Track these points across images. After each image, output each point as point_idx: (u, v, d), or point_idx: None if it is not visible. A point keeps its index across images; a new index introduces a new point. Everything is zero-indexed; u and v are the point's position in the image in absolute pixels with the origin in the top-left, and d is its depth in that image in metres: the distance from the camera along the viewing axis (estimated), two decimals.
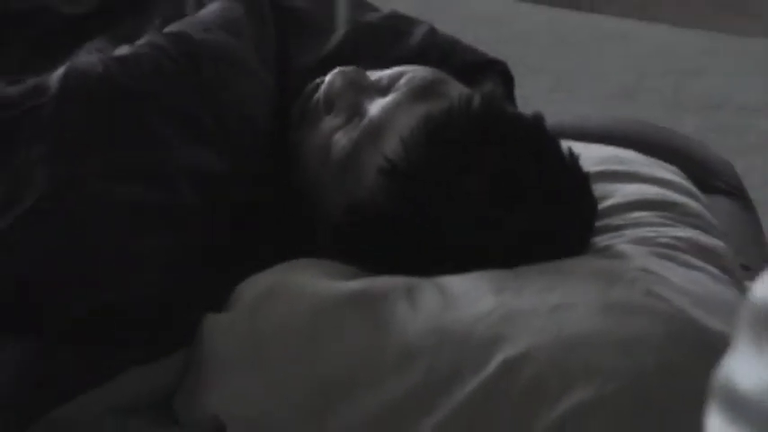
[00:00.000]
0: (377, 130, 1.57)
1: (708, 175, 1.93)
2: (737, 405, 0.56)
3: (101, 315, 1.47)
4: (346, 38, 1.81)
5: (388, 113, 1.58)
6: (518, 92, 1.85)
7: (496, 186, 1.52)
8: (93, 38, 1.76)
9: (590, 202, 1.59)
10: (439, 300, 1.43)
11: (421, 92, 1.59)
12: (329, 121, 1.63)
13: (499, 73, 1.84)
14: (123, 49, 1.62)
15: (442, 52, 1.82)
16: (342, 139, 1.60)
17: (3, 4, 1.82)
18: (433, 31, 1.86)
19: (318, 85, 1.66)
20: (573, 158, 1.57)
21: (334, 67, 1.66)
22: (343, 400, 1.39)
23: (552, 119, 1.62)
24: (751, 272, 1.68)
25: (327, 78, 1.65)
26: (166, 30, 1.68)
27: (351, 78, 1.64)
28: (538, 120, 1.57)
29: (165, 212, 1.51)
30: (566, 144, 1.59)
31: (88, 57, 1.64)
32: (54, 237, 1.47)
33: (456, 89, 1.62)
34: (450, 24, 1.93)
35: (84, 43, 1.74)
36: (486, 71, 1.83)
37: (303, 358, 1.42)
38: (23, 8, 1.83)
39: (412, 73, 1.63)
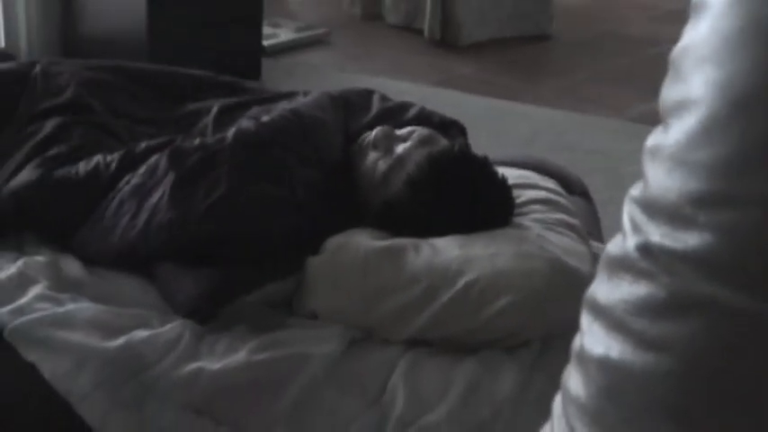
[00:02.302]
0: (402, 160, 1.65)
1: (570, 185, 1.98)
2: (596, 310, 0.53)
3: (255, 252, 1.55)
4: (377, 114, 1.87)
5: (407, 151, 1.66)
6: (470, 140, 1.91)
7: (464, 193, 1.62)
8: (248, 111, 1.85)
9: (511, 201, 1.68)
10: (431, 251, 1.53)
11: (425, 141, 1.68)
12: (374, 155, 1.70)
13: (458, 127, 1.91)
14: (265, 118, 1.72)
15: (427, 118, 1.87)
16: (382, 165, 1.67)
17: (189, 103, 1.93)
18: (423, 108, 1.93)
19: (367, 136, 1.73)
20: (503, 179, 1.67)
21: (372, 129, 1.74)
22: (382, 300, 1.50)
23: (488, 155, 1.70)
24: (592, 237, 1.77)
25: (374, 132, 1.71)
26: (287, 107, 1.77)
27: (385, 132, 1.71)
28: (486, 159, 1.67)
29: (288, 202, 1.59)
30: (500, 170, 1.69)
31: (248, 122, 1.72)
32: (230, 213, 1.55)
33: (443, 140, 1.70)
34: (436, 104, 2.00)
35: (244, 114, 1.83)
36: (452, 126, 1.89)
37: (360, 279, 1.52)
38: (205, 107, 1.92)
39: (419, 130, 1.71)
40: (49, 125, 1.76)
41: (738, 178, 0.47)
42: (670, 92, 0.52)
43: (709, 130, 0.48)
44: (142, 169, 1.63)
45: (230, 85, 2.05)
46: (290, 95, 1.98)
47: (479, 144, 1.90)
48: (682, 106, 0.51)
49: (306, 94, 1.98)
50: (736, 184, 0.47)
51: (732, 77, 0.47)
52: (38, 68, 1.90)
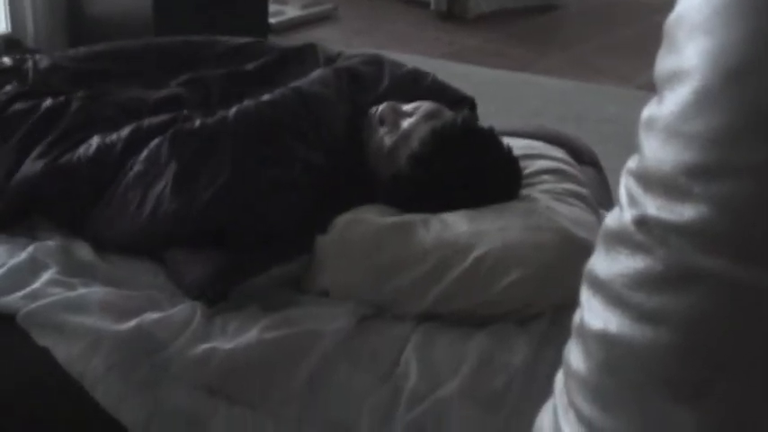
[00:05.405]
0: (407, 135, 1.64)
1: (580, 155, 1.96)
2: (595, 285, 0.53)
3: (261, 236, 1.54)
4: (389, 85, 1.84)
5: (412, 126, 1.65)
6: (479, 111, 1.91)
7: (468, 166, 1.60)
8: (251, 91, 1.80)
9: (518, 173, 1.67)
10: (440, 226, 1.53)
11: (430, 115, 1.66)
12: (381, 130, 1.69)
13: (469, 102, 1.89)
14: (266, 96, 1.69)
15: (439, 92, 1.86)
16: (388, 140, 1.66)
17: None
18: (435, 79, 1.91)
19: (376, 111, 1.71)
20: (509, 150, 1.65)
21: (383, 101, 1.73)
22: (392, 276, 1.49)
23: (497, 126, 1.70)
24: (603, 207, 1.74)
25: (381, 107, 1.70)
26: (290, 85, 1.75)
27: (392, 107, 1.70)
28: (491, 130, 1.65)
29: (291, 183, 1.58)
30: (505, 141, 1.67)
31: (248, 102, 1.68)
32: (234, 199, 1.54)
33: (448, 113, 1.68)
34: (444, 76, 1.98)
35: (247, 87, 1.81)
36: (463, 101, 1.88)
37: (370, 256, 1.52)
38: (209, 74, 1.90)
39: (425, 105, 1.69)
40: (42, 106, 1.73)
41: (731, 149, 0.46)
42: (664, 62, 0.52)
43: (702, 101, 0.48)
44: (144, 154, 1.61)
45: (229, 45, 2.02)
46: (299, 53, 1.97)
47: (488, 116, 1.88)
48: (675, 77, 0.50)
49: (312, 51, 1.98)
50: (729, 154, 0.46)
51: (724, 47, 0.47)
52: (29, 64, 1.89)
